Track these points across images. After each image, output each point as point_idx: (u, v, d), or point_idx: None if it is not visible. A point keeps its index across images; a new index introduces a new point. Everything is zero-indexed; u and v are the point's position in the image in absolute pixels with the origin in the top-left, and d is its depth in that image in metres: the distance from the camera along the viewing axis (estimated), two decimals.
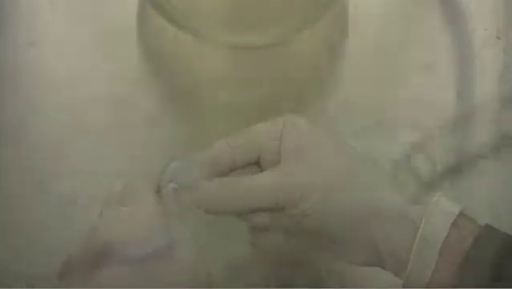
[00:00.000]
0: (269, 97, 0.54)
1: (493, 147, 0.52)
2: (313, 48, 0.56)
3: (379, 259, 0.39)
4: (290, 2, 0.53)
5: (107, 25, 0.56)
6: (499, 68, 0.56)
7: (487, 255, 0.36)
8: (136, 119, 0.52)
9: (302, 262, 0.46)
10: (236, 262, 0.46)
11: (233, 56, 0.55)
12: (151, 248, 0.33)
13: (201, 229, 0.42)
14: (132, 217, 0.35)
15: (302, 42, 0.55)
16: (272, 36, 0.54)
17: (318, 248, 0.42)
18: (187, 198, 0.39)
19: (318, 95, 0.55)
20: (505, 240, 0.37)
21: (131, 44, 0.56)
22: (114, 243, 0.32)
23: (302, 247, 0.41)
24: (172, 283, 0.33)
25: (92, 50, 0.55)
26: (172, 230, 0.34)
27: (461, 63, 0.56)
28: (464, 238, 0.37)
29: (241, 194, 0.39)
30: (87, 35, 0.55)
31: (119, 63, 0.55)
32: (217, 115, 0.53)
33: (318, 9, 0.54)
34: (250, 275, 0.46)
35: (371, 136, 0.52)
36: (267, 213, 0.40)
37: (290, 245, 0.41)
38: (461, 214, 0.38)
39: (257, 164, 0.41)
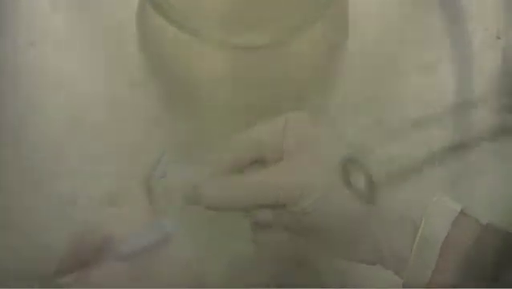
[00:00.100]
0: (269, 97, 0.54)
1: (492, 145, 0.52)
2: (313, 48, 0.56)
3: (379, 258, 0.39)
4: (290, 1, 0.53)
5: (107, 25, 0.56)
6: (499, 68, 0.56)
7: (488, 255, 0.36)
8: (136, 119, 0.52)
9: (302, 260, 0.46)
10: (237, 259, 0.46)
11: (233, 56, 0.55)
12: (142, 244, 0.33)
13: (203, 226, 0.42)
14: (122, 216, 0.35)
15: (302, 42, 0.55)
16: (272, 36, 0.54)
17: (318, 246, 0.42)
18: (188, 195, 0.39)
19: (318, 95, 0.55)
20: (505, 239, 0.37)
21: (131, 44, 0.56)
22: (106, 240, 0.33)
23: (303, 245, 0.41)
24: (165, 279, 0.33)
25: (92, 50, 0.55)
26: (164, 228, 0.34)
27: (460, 63, 0.56)
28: (464, 238, 0.37)
29: (243, 192, 0.39)
30: (87, 35, 0.55)
31: (119, 63, 0.55)
32: (217, 115, 0.53)
33: (318, 9, 0.54)
34: (251, 272, 0.46)
35: (372, 136, 0.52)
36: (269, 211, 0.40)
37: (291, 242, 0.41)
38: (462, 214, 0.38)
39: (260, 163, 0.41)
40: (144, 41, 0.56)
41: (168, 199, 0.39)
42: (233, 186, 0.40)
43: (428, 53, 0.56)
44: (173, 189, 0.42)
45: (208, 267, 0.42)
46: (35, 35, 0.55)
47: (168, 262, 0.40)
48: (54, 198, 0.48)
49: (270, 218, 0.40)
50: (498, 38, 0.57)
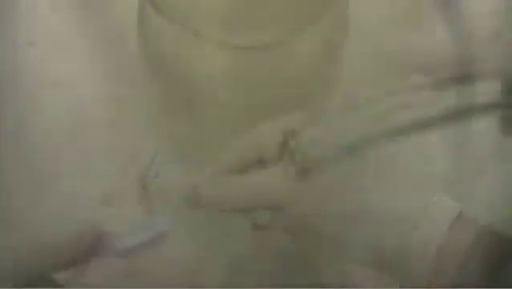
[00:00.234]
0: (269, 97, 0.54)
1: (493, 146, 0.52)
2: (313, 48, 0.56)
3: (378, 259, 0.39)
4: (290, 1, 0.53)
5: (107, 25, 0.56)
6: (499, 68, 0.56)
7: (487, 255, 0.36)
8: (136, 119, 0.52)
9: (302, 261, 0.46)
10: (237, 259, 0.46)
11: (233, 56, 0.55)
12: (137, 241, 0.33)
13: (203, 226, 0.42)
14: (120, 215, 0.35)
15: (302, 42, 0.55)
16: (272, 36, 0.54)
17: (317, 247, 0.42)
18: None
19: (319, 95, 0.55)
20: (504, 240, 0.37)
21: (131, 44, 0.56)
22: (103, 237, 0.33)
23: (302, 246, 0.42)
24: (165, 279, 0.33)
25: (92, 50, 0.55)
26: (160, 225, 0.35)
27: (460, 63, 0.56)
28: (463, 238, 0.37)
29: (242, 192, 0.40)
30: (86, 35, 0.55)
31: (119, 62, 0.55)
32: (217, 115, 0.53)
33: (318, 9, 0.54)
34: (251, 272, 0.46)
35: None
36: (267, 212, 0.40)
37: (290, 243, 0.41)
38: (461, 214, 0.38)
39: (260, 163, 0.41)
40: (144, 41, 0.56)
41: (163, 198, 0.39)
42: (232, 187, 0.40)
43: (428, 53, 0.57)
44: (172, 188, 0.42)
45: (207, 267, 0.42)
46: (35, 35, 0.55)
47: (168, 262, 0.40)
48: (54, 198, 0.48)
49: (267, 220, 0.40)
50: (498, 38, 0.57)
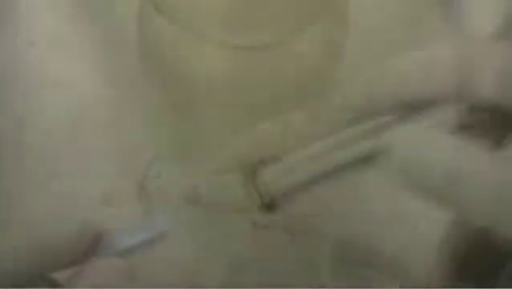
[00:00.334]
0: (269, 97, 0.54)
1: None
2: (313, 48, 0.56)
3: (378, 259, 0.39)
4: (290, 1, 0.53)
5: (108, 25, 0.56)
6: (499, 68, 0.56)
7: (487, 255, 0.36)
8: (136, 119, 0.52)
9: (302, 262, 0.46)
10: (237, 259, 0.46)
11: (233, 56, 0.55)
12: (136, 240, 0.33)
13: (203, 226, 0.42)
14: (120, 215, 0.35)
15: (302, 42, 0.55)
16: (272, 36, 0.54)
17: (317, 248, 0.42)
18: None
19: (319, 95, 0.55)
20: (504, 240, 0.37)
21: (131, 44, 0.56)
22: (103, 236, 0.33)
23: (302, 246, 0.42)
24: (160, 276, 0.34)
25: (92, 50, 0.55)
26: (159, 225, 0.35)
27: (460, 63, 0.56)
28: (462, 239, 0.37)
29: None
30: (86, 35, 0.55)
31: (119, 63, 0.55)
32: (217, 115, 0.53)
33: (318, 9, 0.54)
34: (251, 273, 0.46)
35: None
36: (266, 212, 0.40)
37: (290, 243, 0.41)
38: (460, 215, 0.38)
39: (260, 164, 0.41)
40: (144, 41, 0.56)
41: (163, 198, 0.39)
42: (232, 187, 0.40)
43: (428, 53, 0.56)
44: (171, 188, 0.42)
45: (207, 267, 0.42)
46: (35, 35, 0.55)
47: (168, 262, 0.40)
48: (54, 198, 0.48)
49: (266, 220, 0.40)
50: (497, 37, 0.57)
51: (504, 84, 0.34)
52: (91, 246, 0.33)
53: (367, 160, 0.35)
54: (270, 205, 0.36)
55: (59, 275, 0.33)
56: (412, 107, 0.35)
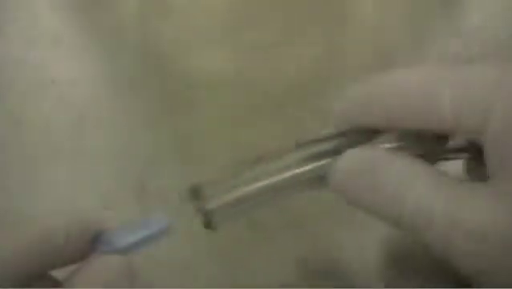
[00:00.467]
0: (269, 97, 0.54)
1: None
2: (313, 48, 0.56)
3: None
4: (290, 1, 0.53)
5: (107, 25, 0.56)
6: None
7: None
8: (136, 119, 0.52)
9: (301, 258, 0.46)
10: (237, 259, 0.46)
11: (233, 56, 0.55)
12: (135, 239, 0.34)
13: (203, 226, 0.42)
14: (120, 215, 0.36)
15: (302, 42, 0.55)
16: (272, 36, 0.54)
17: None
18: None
19: (319, 95, 0.55)
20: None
21: (130, 44, 0.56)
22: (102, 235, 0.33)
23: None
24: (159, 276, 0.34)
25: (92, 50, 0.55)
26: (158, 224, 0.35)
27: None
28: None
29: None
30: (86, 35, 0.56)
31: (118, 62, 0.55)
32: (217, 115, 0.53)
33: (317, 9, 0.54)
34: (251, 272, 0.46)
35: None
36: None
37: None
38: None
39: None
40: (143, 41, 0.56)
41: (163, 198, 0.39)
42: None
43: (428, 53, 0.57)
44: (171, 188, 0.42)
45: (207, 267, 0.42)
46: (35, 35, 0.55)
47: (168, 262, 0.40)
48: (54, 198, 0.48)
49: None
50: (497, 38, 0.57)
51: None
52: (90, 245, 0.33)
53: (311, 182, 0.35)
54: (208, 223, 0.35)
55: (59, 274, 0.33)
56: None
